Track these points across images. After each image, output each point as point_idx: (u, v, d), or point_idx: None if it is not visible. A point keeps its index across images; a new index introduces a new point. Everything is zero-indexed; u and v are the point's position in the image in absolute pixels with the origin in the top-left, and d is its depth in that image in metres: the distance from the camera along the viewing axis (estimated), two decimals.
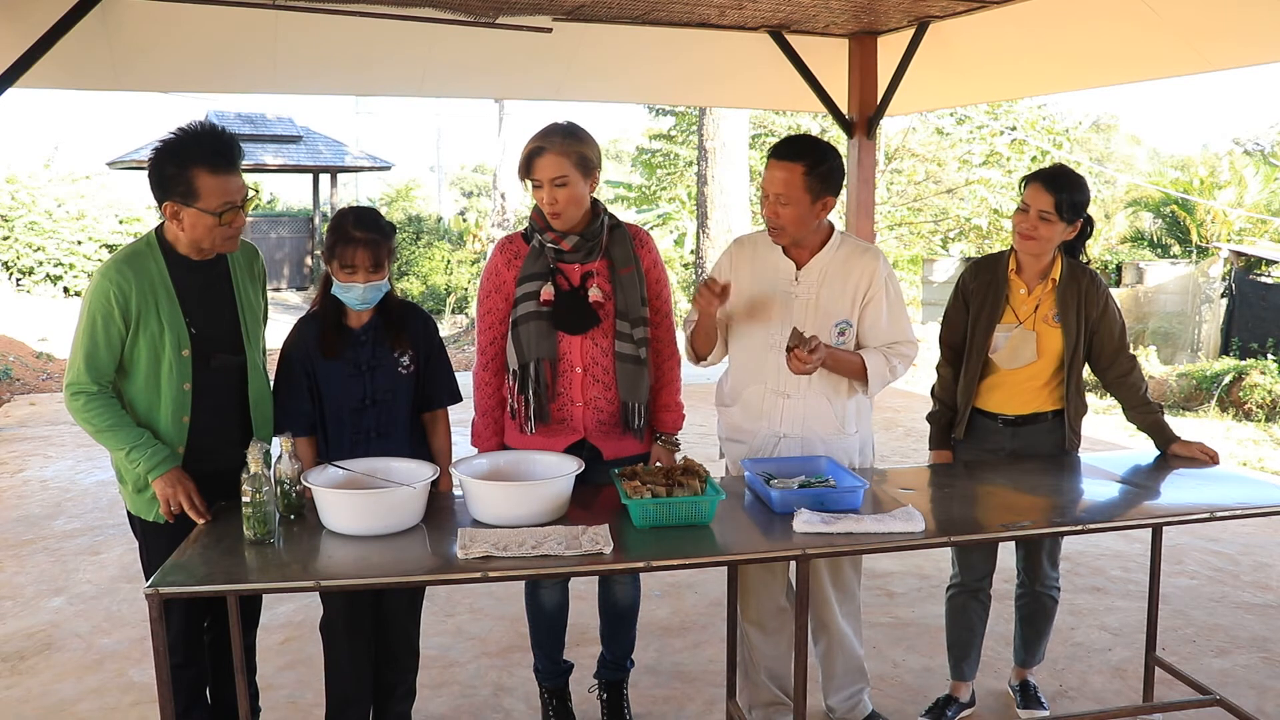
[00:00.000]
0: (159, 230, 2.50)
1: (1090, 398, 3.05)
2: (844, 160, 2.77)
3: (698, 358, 2.96)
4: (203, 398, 2.49)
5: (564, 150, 2.63)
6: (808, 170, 2.64)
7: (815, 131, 15.34)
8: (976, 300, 2.98)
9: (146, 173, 2.43)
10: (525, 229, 2.83)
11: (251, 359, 2.60)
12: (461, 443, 2.77)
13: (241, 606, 2.45)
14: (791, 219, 2.69)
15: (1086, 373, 3.04)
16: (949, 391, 3.09)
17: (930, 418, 3.14)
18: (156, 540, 2.48)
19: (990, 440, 3.02)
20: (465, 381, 2.78)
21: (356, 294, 2.58)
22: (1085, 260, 3.01)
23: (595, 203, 2.79)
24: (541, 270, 2.75)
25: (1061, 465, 2.96)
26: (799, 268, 2.79)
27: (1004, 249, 3.03)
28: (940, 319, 3.22)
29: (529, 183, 2.70)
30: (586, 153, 2.67)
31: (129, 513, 2.59)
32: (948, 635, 3.19)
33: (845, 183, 6.52)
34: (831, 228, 2.82)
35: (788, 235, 2.74)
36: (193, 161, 2.35)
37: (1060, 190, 2.79)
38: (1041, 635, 3.18)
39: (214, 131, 2.41)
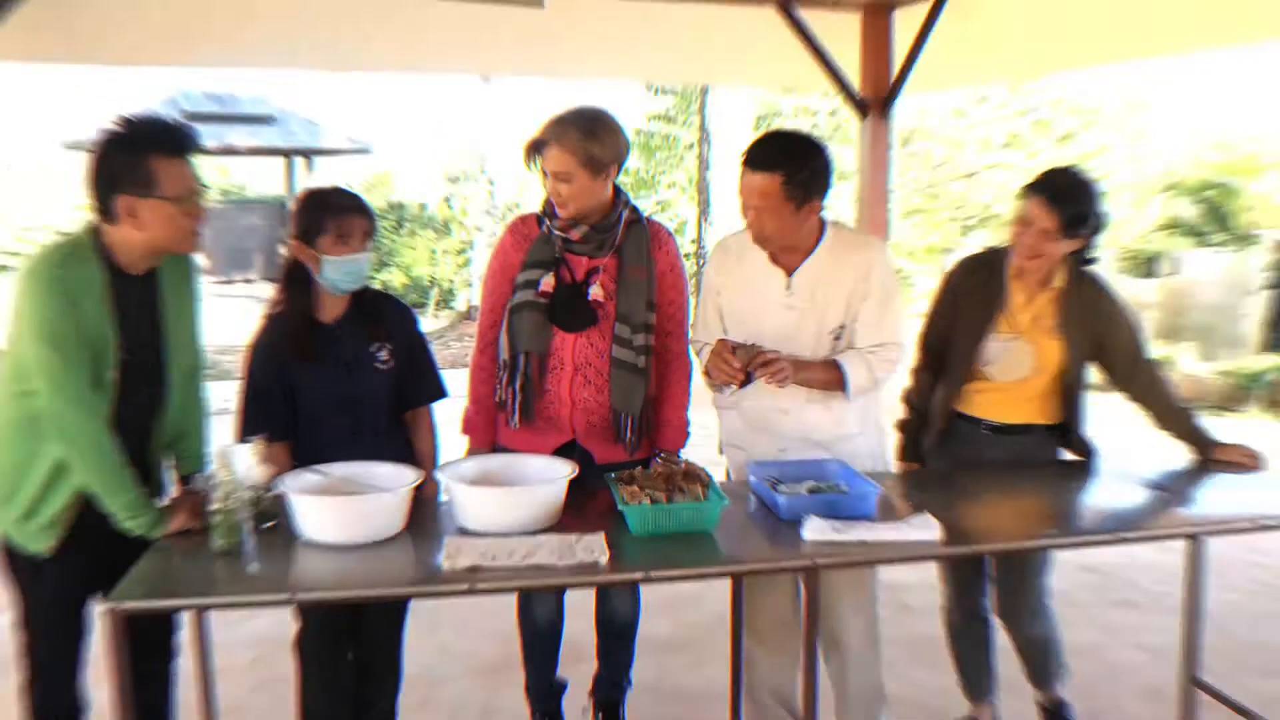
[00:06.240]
0: (95, 234, 2.32)
1: (1117, 395, 3.00)
2: (829, 156, 2.66)
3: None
4: (119, 419, 2.36)
5: (572, 147, 2.61)
6: (787, 179, 2.58)
7: (824, 112, 15.31)
8: (969, 302, 2.90)
9: (90, 171, 2.26)
10: (540, 211, 2.81)
11: (171, 381, 2.49)
12: (450, 439, 2.76)
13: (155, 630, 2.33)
14: (776, 229, 2.66)
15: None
16: (925, 399, 3.03)
17: (901, 425, 3.09)
18: (41, 575, 2.37)
19: (969, 448, 2.95)
20: (451, 378, 2.77)
21: (351, 266, 2.57)
22: (1095, 260, 2.88)
23: (618, 192, 2.77)
24: (547, 258, 2.74)
25: (1088, 470, 2.95)
26: (789, 274, 2.74)
27: (1002, 245, 2.90)
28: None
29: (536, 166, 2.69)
30: (597, 152, 2.63)
31: (7, 545, 2.39)
32: (954, 660, 3.19)
33: (858, 167, 6.53)
34: (822, 224, 2.76)
35: (774, 244, 2.72)
36: (148, 147, 2.25)
37: (1065, 207, 2.68)
38: (1041, 665, 3.12)
39: (165, 119, 2.34)
